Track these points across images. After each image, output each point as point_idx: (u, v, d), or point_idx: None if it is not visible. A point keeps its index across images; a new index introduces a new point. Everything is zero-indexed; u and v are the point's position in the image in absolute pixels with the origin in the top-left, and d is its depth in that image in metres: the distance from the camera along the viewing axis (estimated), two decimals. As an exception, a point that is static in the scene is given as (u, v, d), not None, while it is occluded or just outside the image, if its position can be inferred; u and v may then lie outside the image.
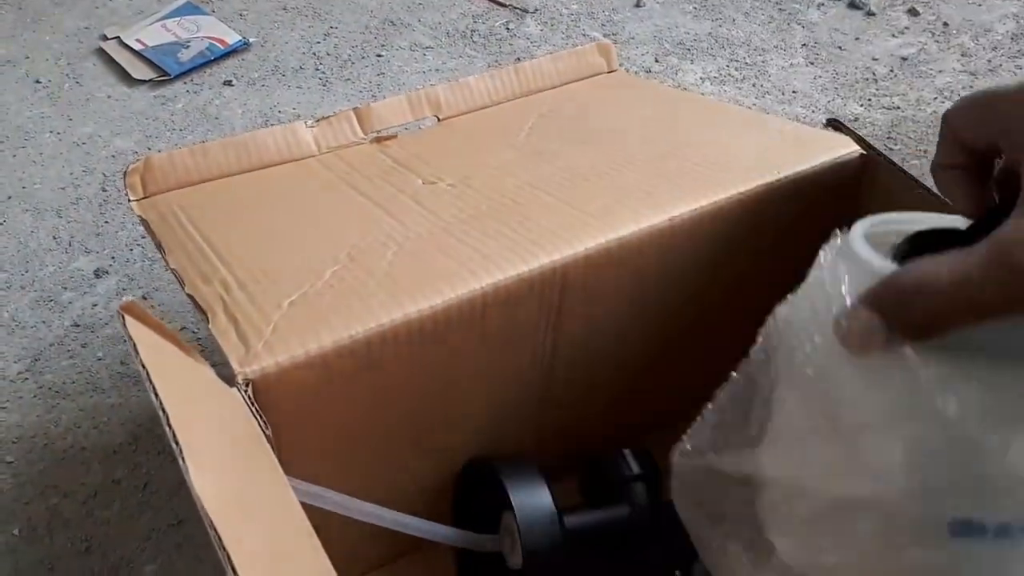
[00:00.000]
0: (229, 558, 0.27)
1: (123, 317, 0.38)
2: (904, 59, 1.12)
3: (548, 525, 0.49)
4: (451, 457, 0.54)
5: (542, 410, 0.56)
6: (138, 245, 0.86)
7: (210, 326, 0.43)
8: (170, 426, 0.33)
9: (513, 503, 0.48)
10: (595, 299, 0.51)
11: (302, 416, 0.44)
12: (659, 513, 0.54)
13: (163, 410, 0.33)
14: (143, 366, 0.35)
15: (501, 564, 0.51)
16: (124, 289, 0.81)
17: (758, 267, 0.57)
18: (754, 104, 1.04)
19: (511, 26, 1.21)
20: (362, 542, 0.55)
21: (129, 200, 0.57)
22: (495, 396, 0.53)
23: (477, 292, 0.45)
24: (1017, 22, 1.19)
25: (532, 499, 0.49)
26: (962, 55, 1.13)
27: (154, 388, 0.35)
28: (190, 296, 0.46)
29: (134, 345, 0.36)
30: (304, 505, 0.41)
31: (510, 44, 1.17)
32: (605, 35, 1.19)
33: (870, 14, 1.21)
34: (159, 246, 0.51)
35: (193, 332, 0.75)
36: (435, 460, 0.53)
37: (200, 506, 0.29)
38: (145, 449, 0.67)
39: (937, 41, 1.16)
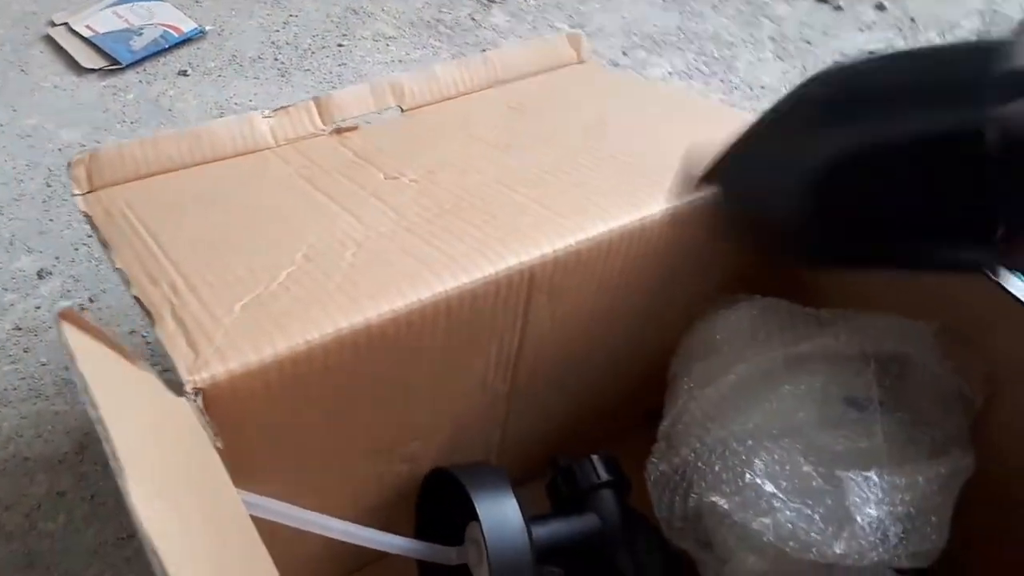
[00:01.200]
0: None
1: (61, 325, 0.35)
2: (872, 54, 1.11)
3: (516, 537, 0.47)
4: (414, 466, 0.52)
5: (507, 415, 0.54)
6: (84, 244, 0.82)
7: (156, 330, 0.41)
8: (109, 442, 0.30)
9: (480, 514, 0.46)
10: (562, 300, 0.49)
11: (255, 426, 0.41)
12: (628, 521, 0.53)
13: (102, 425, 0.31)
14: (81, 377, 0.33)
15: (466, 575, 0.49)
16: (69, 290, 0.77)
17: (729, 269, 0.56)
18: (722, 100, 1.03)
19: (477, 16, 1.18)
20: (322, 555, 0.53)
21: (73, 194, 0.54)
22: (458, 401, 0.50)
23: (441, 295, 0.43)
24: (983, 18, 1.18)
25: (499, 510, 0.47)
26: (930, 50, 1.12)
27: (93, 402, 0.32)
28: (136, 298, 0.43)
29: (72, 355, 0.34)
30: (259, 519, 0.39)
31: (476, 35, 1.15)
32: (572, 27, 1.17)
33: (838, 8, 1.20)
34: (104, 244, 0.48)
35: (143, 336, 0.72)
36: (398, 470, 0.51)
37: (141, 530, 0.27)
38: (92, 459, 0.64)
39: (904, 37, 1.15)
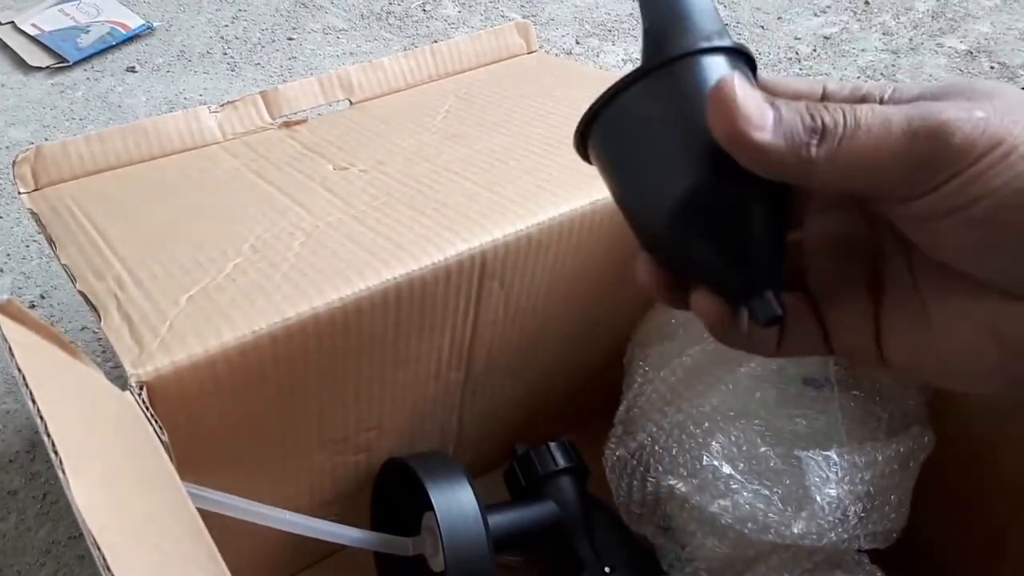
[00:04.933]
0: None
1: (-1, 318, 0.34)
2: (826, 38, 1.12)
3: (472, 526, 0.46)
4: (370, 456, 0.51)
5: (464, 403, 0.54)
6: (34, 241, 0.81)
7: (102, 325, 0.40)
8: (49, 434, 0.30)
9: (434, 503, 0.46)
10: (514, 286, 0.49)
11: (205, 418, 0.41)
12: (587, 508, 0.53)
13: (41, 417, 0.30)
14: (19, 370, 0.32)
15: (424, 566, 0.48)
16: (20, 287, 0.76)
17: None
18: (676, 85, 1.03)
19: (428, 7, 1.18)
20: (278, 549, 0.52)
21: (19, 193, 0.53)
22: (412, 390, 0.50)
23: (390, 283, 0.43)
24: (937, 0, 1.19)
25: (454, 499, 0.47)
26: (884, 34, 1.13)
27: (31, 394, 0.31)
28: (82, 293, 0.43)
29: (9, 348, 0.33)
30: (208, 513, 0.39)
31: (427, 26, 1.14)
32: (524, 16, 1.17)
33: (791, -7, 1.21)
34: (50, 240, 0.48)
35: (94, 332, 0.71)
36: (353, 460, 0.51)
37: (81, 521, 0.26)
38: (43, 457, 0.63)
39: (859, 20, 1.16)
